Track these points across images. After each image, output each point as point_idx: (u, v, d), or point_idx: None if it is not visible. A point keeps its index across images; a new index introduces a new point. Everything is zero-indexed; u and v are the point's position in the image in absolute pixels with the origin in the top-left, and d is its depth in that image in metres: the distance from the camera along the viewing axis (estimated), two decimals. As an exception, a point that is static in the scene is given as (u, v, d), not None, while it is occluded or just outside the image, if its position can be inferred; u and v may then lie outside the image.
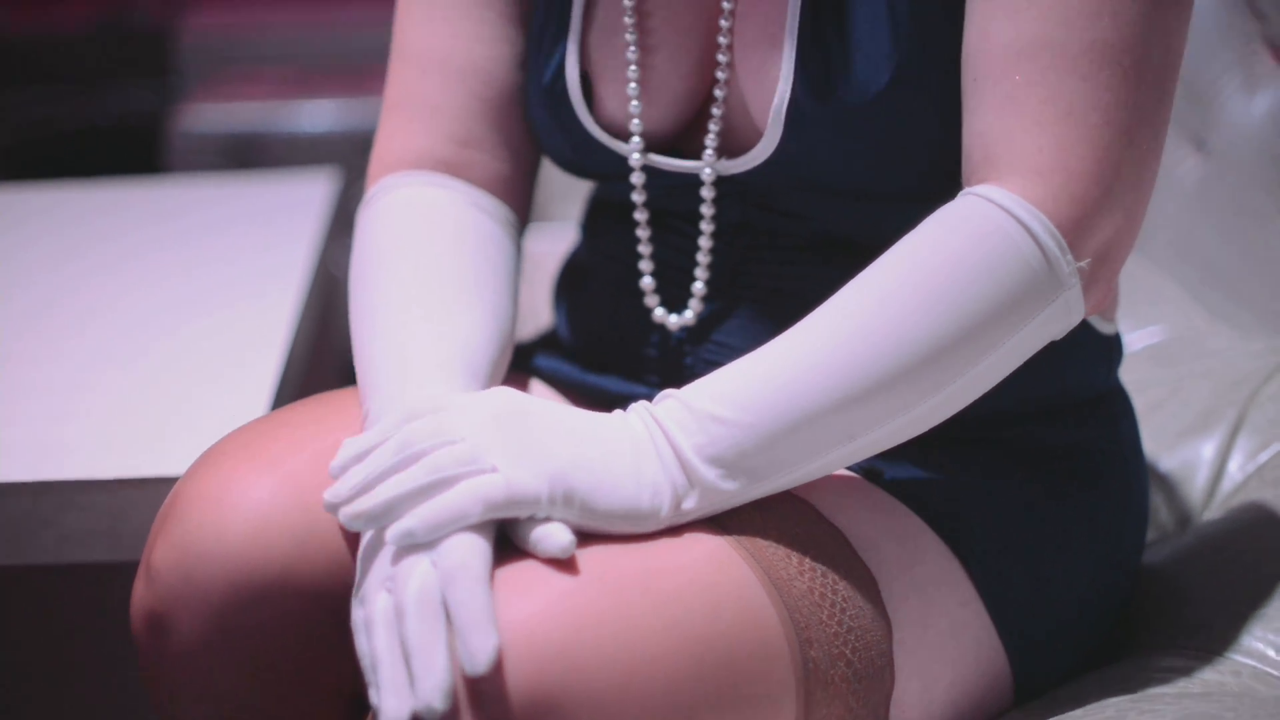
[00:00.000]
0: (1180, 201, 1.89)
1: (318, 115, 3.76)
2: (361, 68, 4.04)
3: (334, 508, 1.12)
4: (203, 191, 2.49)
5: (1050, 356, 1.26)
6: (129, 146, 4.68)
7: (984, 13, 1.20)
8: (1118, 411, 1.41)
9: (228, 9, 4.92)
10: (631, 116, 1.34)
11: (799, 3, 1.25)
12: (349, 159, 3.35)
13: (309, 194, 2.39)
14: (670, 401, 1.16)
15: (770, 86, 1.27)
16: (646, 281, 1.37)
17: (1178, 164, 1.88)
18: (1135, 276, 1.87)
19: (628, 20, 1.34)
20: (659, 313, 1.37)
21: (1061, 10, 1.17)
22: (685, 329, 1.36)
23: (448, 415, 1.13)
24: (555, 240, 2.05)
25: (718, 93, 1.32)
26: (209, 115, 3.78)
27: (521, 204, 1.45)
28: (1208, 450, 1.67)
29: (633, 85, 1.34)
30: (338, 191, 2.43)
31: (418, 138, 1.40)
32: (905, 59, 1.23)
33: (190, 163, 3.68)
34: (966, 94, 1.21)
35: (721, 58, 1.31)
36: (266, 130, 3.72)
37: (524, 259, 1.48)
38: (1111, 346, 1.40)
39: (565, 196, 2.21)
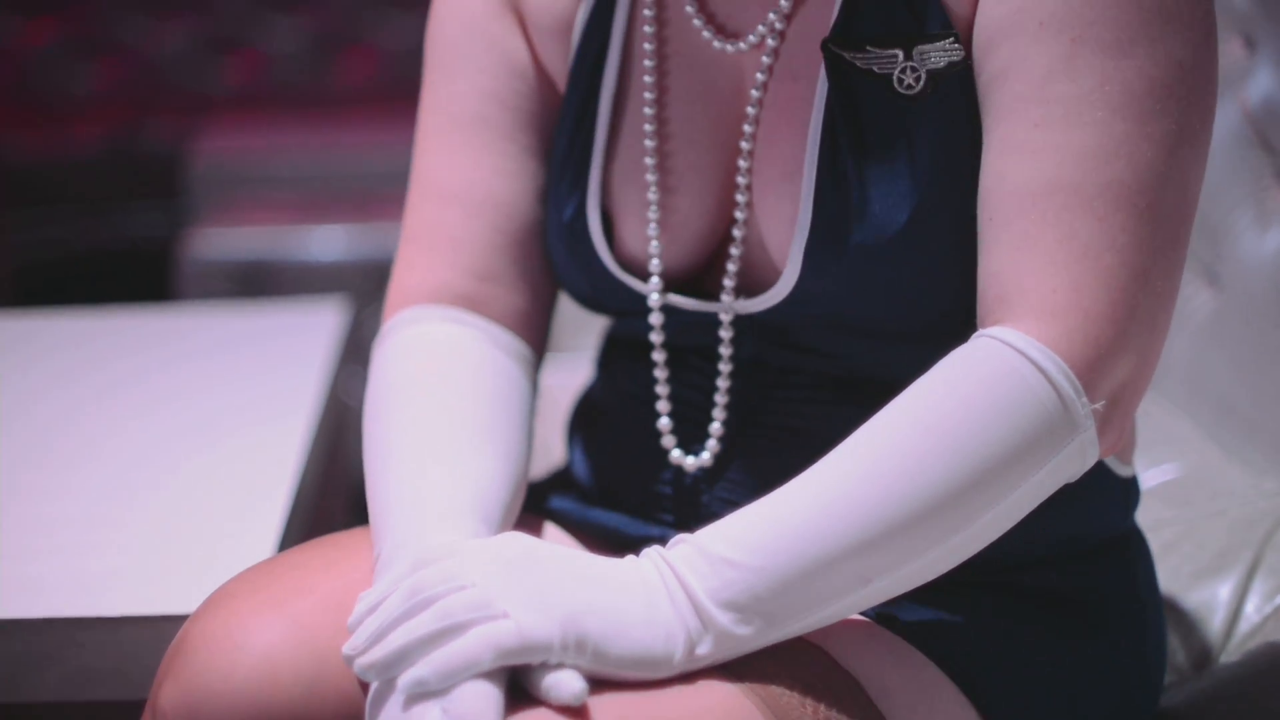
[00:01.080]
0: (1193, 337, 1.88)
1: (327, 241, 3.77)
2: (371, 193, 4.06)
3: (350, 660, 1.11)
4: (212, 320, 2.49)
5: (1067, 499, 1.25)
6: (139, 270, 4.69)
7: (1000, 153, 1.20)
8: (1134, 555, 1.40)
9: (237, 133, 4.95)
10: (651, 256, 1.34)
11: (817, 143, 1.25)
12: (359, 286, 3.36)
13: (318, 322, 2.39)
14: (683, 546, 1.15)
15: (788, 226, 1.27)
16: (664, 422, 1.36)
17: (1191, 299, 1.88)
18: (1148, 413, 1.86)
19: (649, 160, 1.34)
20: (675, 454, 1.36)
21: (1077, 152, 1.17)
22: (702, 469, 1.35)
23: (458, 561, 1.12)
24: (570, 372, 2.05)
25: (736, 232, 1.32)
26: (219, 241, 3.79)
27: (538, 338, 1.44)
28: (1224, 592, 1.66)
29: (653, 225, 1.34)
30: (348, 320, 2.42)
31: (436, 270, 1.40)
32: (923, 199, 1.22)
33: (201, 289, 3.69)
34: (982, 233, 1.21)
35: (740, 197, 1.31)
36: (276, 257, 3.74)
37: (538, 393, 1.47)
38: (1128, 489, 1.39)
39: (581, 328, 2.21)
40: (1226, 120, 1.85)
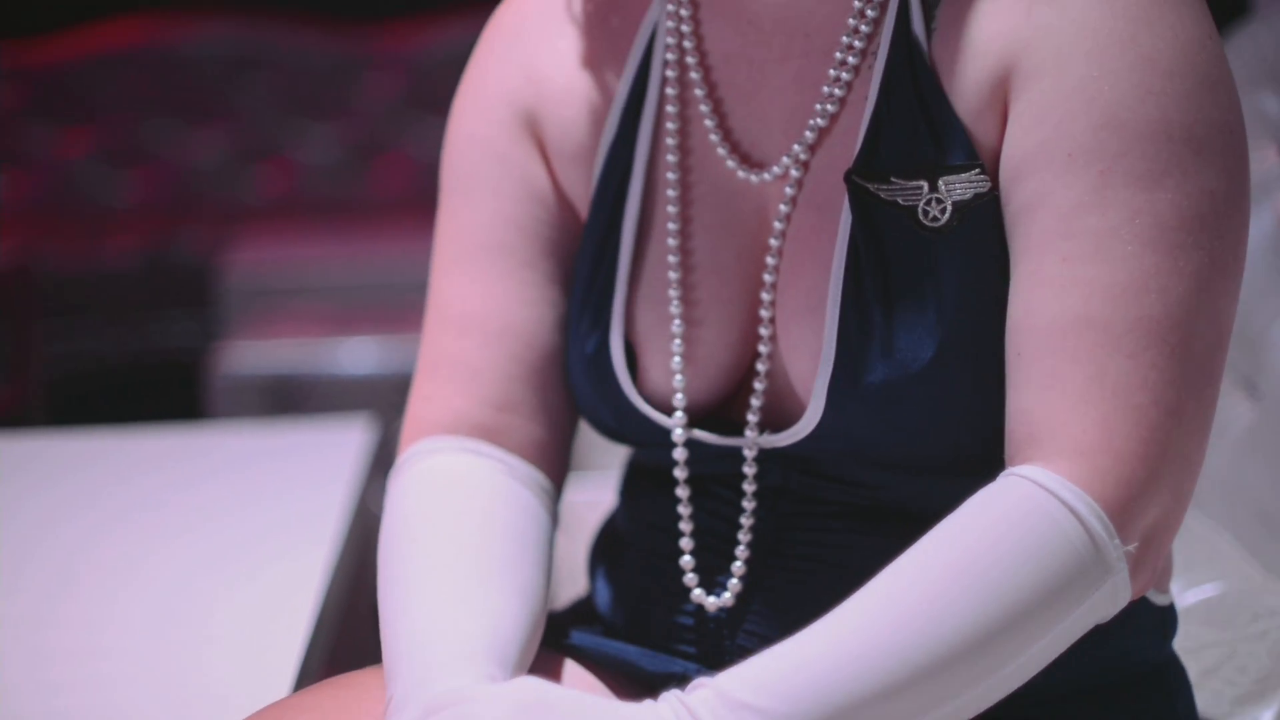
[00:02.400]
0: (1232, 449, 1.86)
1: (358, 355, 3.77)
2: (403, 303, 4.06)
3: None
4: (239, 439, 2.49)
5: (1102, 632, 1.22)
6: (171, 383, 4.71)
7: (1028, 287, 1.18)
8: (1173, 685, 1.37)
9: (270, 243, 4.97)
10: (676, 390, 1.32)
11: (840, 277, 1.24)
12: (390, 399, 3.35)
13: (346, 440, 2.38)
14: (704, 690, 1.12)
15: (812, 361, 1.25)
16: (686, 560, 1.34)
17: (1229, 410, 1.87)
18: (1187, 529, 1.84)
19: (673, 291, 1.32)
20: (697, 593, 1.33)
21: (1107, 287, 1.15)
22: (724, 609, 1.33)
23: (470, 708, 1.10)
24: (595, 489, 2.03)
25: (760, 365, 1.30)
26: (250, 355, 3.81)
27: (558, 470, 1.42)
28: (1266, 718, 1.62)
29: (677, 359, 1.32)
30: (375, 438, 2.42)
31: (454, 400, 1.38)
32: (949, 334, 1.21)
33: (231, 404, 3.70)
34: (1010, 370, 1.19)
35: (764, 330, 1.30)
36: (308, 370, 3.74)
37: (563, 509, 1.45)
38: (1165, 618, 1.36)
39: (606, 448, 2.19)
40: (1261, 228, 1.84)
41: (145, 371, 4.93)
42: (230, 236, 5.12)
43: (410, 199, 5.41)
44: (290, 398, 3.72)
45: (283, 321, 4.18)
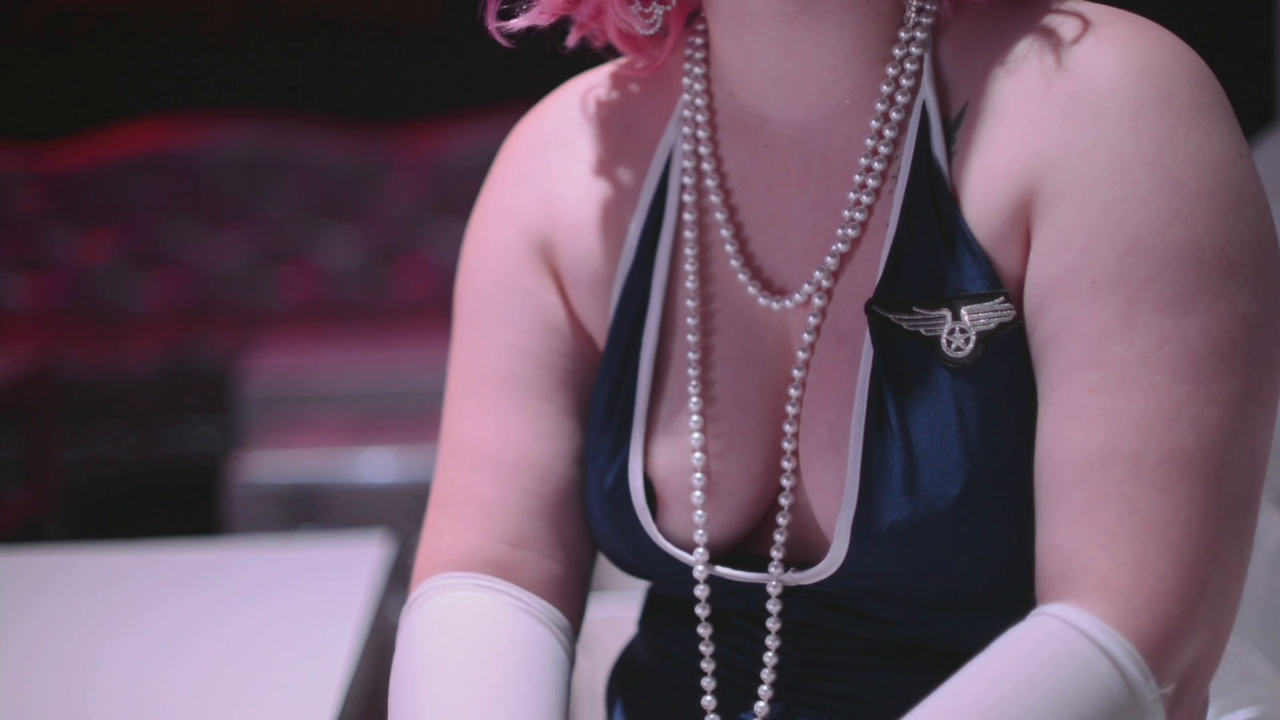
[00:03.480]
0: (1268, 568, 1.83)
1: (377, 464, 3.75)
2: (424, 410, 4.05)
3: None
4: (255, 555, 2.47)
5: (1137, 770, 1.18)
6: (189, 491, 4.70)
7: (1055, 420, 1.15)
8: (1210, 819, 1.32)
9: (290, 348, 4.97)
10: (696, 526, 1.29)
11: (863, 413, 1.21)
12: (410, 507, 3.33)
13: (363, 555, 2.35)
14: None
15: (835, 498, 1.22)
16: (708, 699, 1.30)
17: (1261, 526, 1.83)
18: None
19: (694, 423, 1.29)
20: None
21: (1137, 418, 1.12)
22: None
23: None
24: (616, 607, 1.99)
25: (783, 500, 1.27)
26: (268, 465, 3.79)
27: (575, 605, 1.38)
28: (1303, 844, 1.58)
29: (698, 494, 1.29)
30: (392, 554, 2.39)
31: (467, 536, 1.35)
32: (975, 470, 1.17)
33: (250, 513, 3.68)
34: (1039, 505, 1.16)
35: (787, 464, 1.27)
36: (327, 480, 3.72)
37: (585, 626, 1.42)
38: (1202, 751, 1.32)
39: (626, 568, 2.16)
40: None
41: (163, 478, 4.93)
42: (251, 341, 5.12)
43: (432, 302, 5.40)
44: (309, 507, 3.70)
45: (302, 429, 4.16)
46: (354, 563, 2.33)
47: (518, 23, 1.30)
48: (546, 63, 1.36)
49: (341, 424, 4.20)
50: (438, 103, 5.48)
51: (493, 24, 1.30)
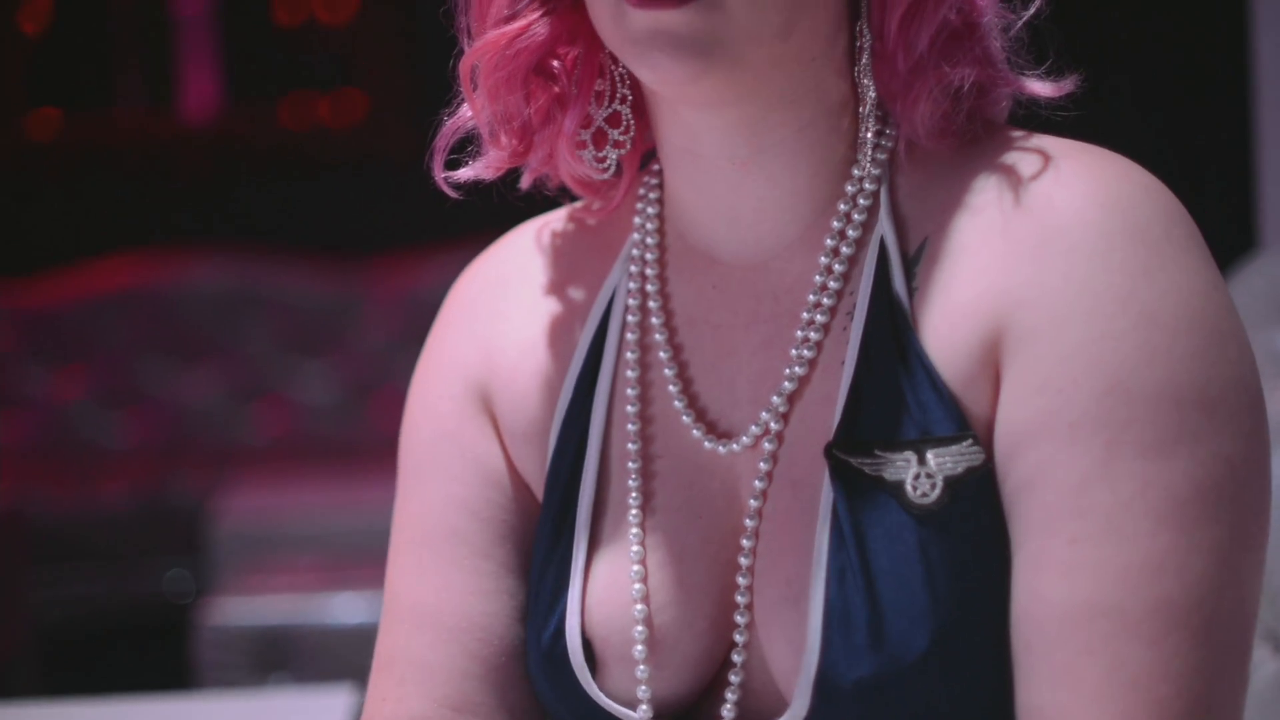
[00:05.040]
0: (1260, 706, 1.78)
1: (352, 606, 3.71)
2: (396, 552, 4.02)
3: None
4: (224, 709, 2.43)
5: None
6: (162, 630, 4.68)
7: (1033, 571, 1.10)
8: None
9: (264, 487, 4.95)
10: (639, 683, 1.22)
11: (823, 563, 1.15)
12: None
13: (331, 708, 2.32)
14: None
15: (795, 653, 1.16)
16: None
17: (1255, 667, 1.77)
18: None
19: (634, 574, 1.23)
20: None
21: (1121, 569, 1.07)
22: None
23: None
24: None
25: (736, 657, 1.21)
26: (240, 609, 3.79)
27: None
28: None
29: (640, 648, 1.22)
30: (360, 705, 2.34)
31: (409, 702, 1.29)
32: (944, 622, 1.11)
33: (220, 658, 3.65)
34: (1018, 662, 1.10)
35: (740, 618, 1.20)
36: (299, 623, 3.69)
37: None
38: None
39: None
40: None
41: (136, 619, 4.92)
42: (225, 479, 5.10)
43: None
44: (282, 652, 3.67)
45: (276, 570, 4.13)
46: (323, 714, 2.27)
47: (464, 173, 1.27)
48: (521, 194, 1.33)
49: (315, 565, 4.17)
50: (412, 235, 5.49)
51: (439, 175, 1.27)
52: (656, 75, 1.15)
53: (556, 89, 1.24)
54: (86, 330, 5.66)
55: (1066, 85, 1.20)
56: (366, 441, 5.45)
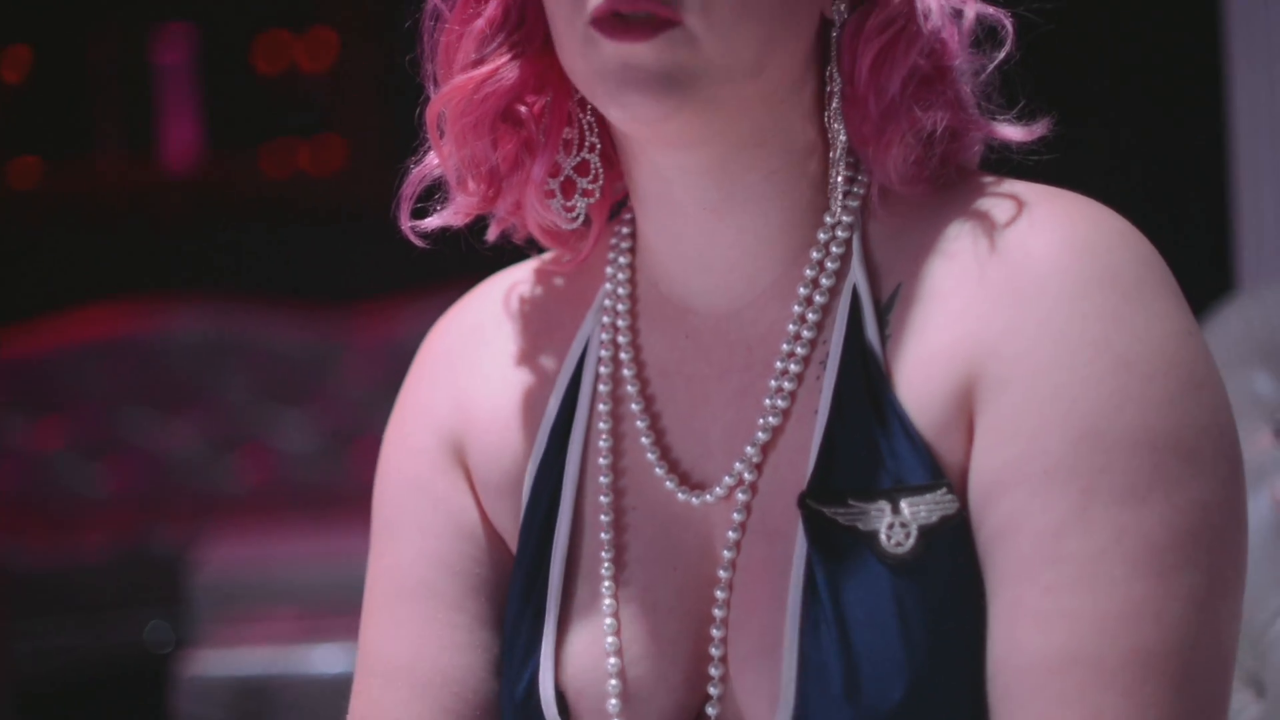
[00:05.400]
0: (1242, 753, 1.75)
1: (330, 658, 3.69)
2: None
3: None
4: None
5: None
6: (142, 681, 4.65)
7: (1009, 621, 1.08)
8: None
9: (245, 537, 4.93)
10: None
11: (797, 615, 1.14)
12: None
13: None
14: None
15: (770, 706, 1.15)
16: None
17: (1235, 709, 1.76)
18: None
19: (608, 627, 1.22)
20: None
21: (1097, 618, 1.06)
22: None
23: None
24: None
25: (711, 710, 1.19)
26: (219, 660, 3.76)
27: None
28: None
29: (614, 702, 1.21)
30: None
31: None
32: (920, 673, 1.10)
33: (199, 711, 3.64)
34: (994, 713, 1.09)
35: (714, 671, 1.19)
36: (278, 674, 3.67)
37: None
38: None
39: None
40: (1259, 517, 1.76)
41: (116, 669, 4.89)
42: (205, 528, 5.07)
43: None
44: (262, 704, 3.64)
45: (256, 620, 4.10)
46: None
47: (431, 222, 1.26)
48: (492, 245, 1.31)
49: (296, 615, 4.14)
50: (392, 282, 5.47)
51: (406, 225, 1.26)
52: (627, 114, 1.14)
53: (524, 134, 1.23)
54: (66, 379, 5.63)
55: (1038, 129, 1.20)
56: (348, 490, 5.42)
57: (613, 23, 1.11)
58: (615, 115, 1.15)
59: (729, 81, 1.13)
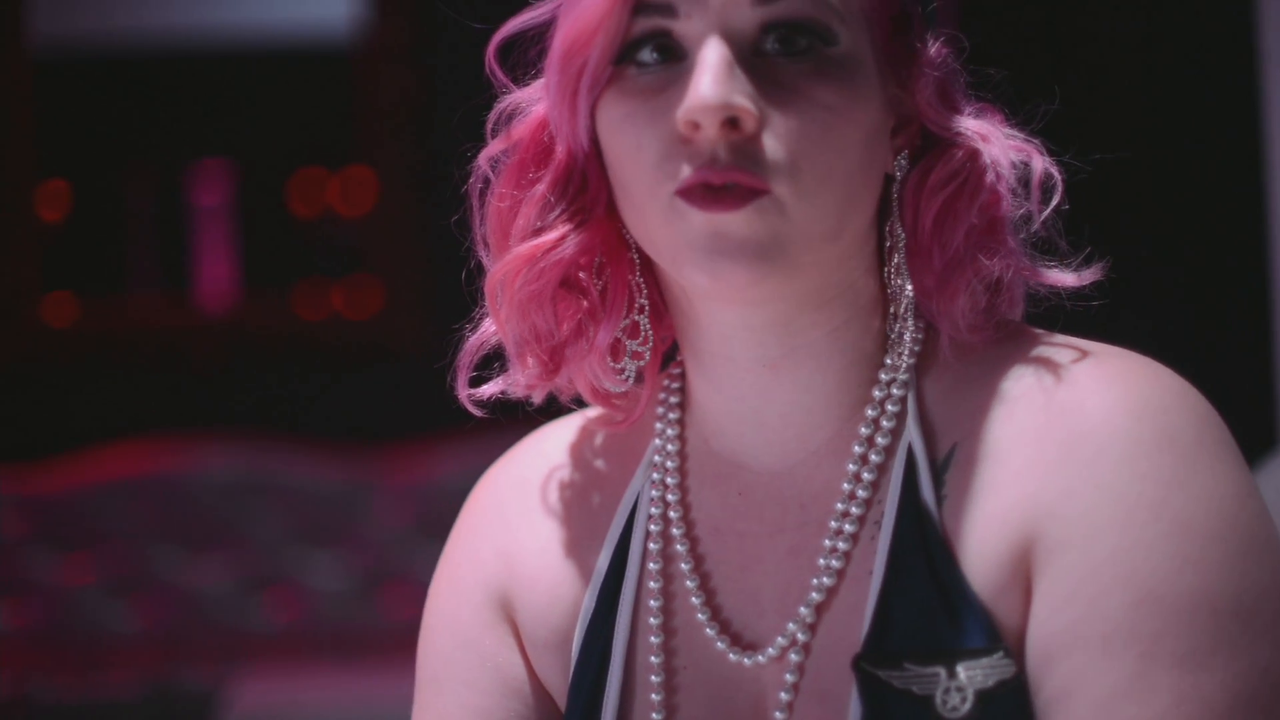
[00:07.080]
0: None
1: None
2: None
3: None
4: None
5: None
6: None
7: None
8: None
9: (273, 679, 4.87)
10: None
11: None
12: None
13: None
14: None
15: None
16: None
17: None
18: None
19: None
20: None
21: None
22: None
23: None
24: None
25: None
26: None
27: None
28: None
29: None
30: None
31: None
32: None
33: None
34: None
35: None
36: None
37: None
38: None
39: None
40: None
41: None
42: (235, 668, 5.02)
43: (420, 627, 5.30)
44: None
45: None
46: None
47: (489, 389, 1.25)
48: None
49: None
50: (424, 424, 5.44)
51: (464, 394, 1.25)
52: (720, 282, 1.12)
53: (586, 303, 1.21)
54: (97, 515, 5.60)
55: (1090, 274, 1.19)
56: (378, 631, 5.37)
57: (702, 193, 1.11)
58: (702, 283, 1.13)
59: (811, 247, 1.13)
